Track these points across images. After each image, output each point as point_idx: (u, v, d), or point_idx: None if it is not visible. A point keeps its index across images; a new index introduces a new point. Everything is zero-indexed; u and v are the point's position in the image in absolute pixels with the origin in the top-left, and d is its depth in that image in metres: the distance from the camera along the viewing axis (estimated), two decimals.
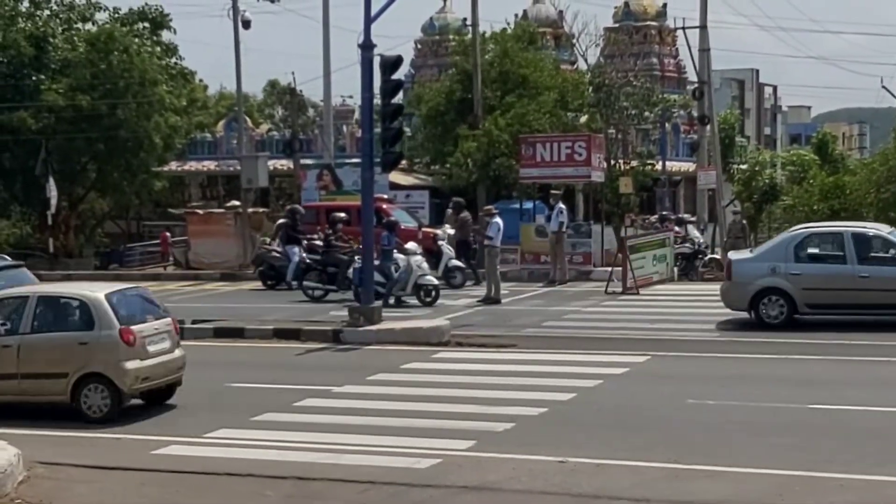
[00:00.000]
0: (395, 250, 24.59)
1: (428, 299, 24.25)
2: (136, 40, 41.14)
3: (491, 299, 24.41)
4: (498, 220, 25.43)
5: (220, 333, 20.65)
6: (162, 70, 41.17)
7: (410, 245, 25.22)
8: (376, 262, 22.47)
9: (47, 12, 42.18)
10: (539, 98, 39.35)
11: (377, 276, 22.36)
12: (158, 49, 42.53)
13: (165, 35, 43.30)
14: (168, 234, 40.09)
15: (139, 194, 45.20)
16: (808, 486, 10.31)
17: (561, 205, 27.95)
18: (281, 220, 30.71)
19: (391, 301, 23.71)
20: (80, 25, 42.41)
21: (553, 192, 28.88)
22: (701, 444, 11.91)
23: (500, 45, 41.78)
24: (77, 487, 10.80)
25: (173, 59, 43.10)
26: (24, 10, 41.68)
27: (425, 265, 24.74)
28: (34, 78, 39.47)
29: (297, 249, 28.07)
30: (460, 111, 40.39)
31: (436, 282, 24.70)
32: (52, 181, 36.77)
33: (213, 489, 10.69)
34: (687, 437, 12.24)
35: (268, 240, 31.71)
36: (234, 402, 14.85)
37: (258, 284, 29.04)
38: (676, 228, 30.06)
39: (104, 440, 12.74)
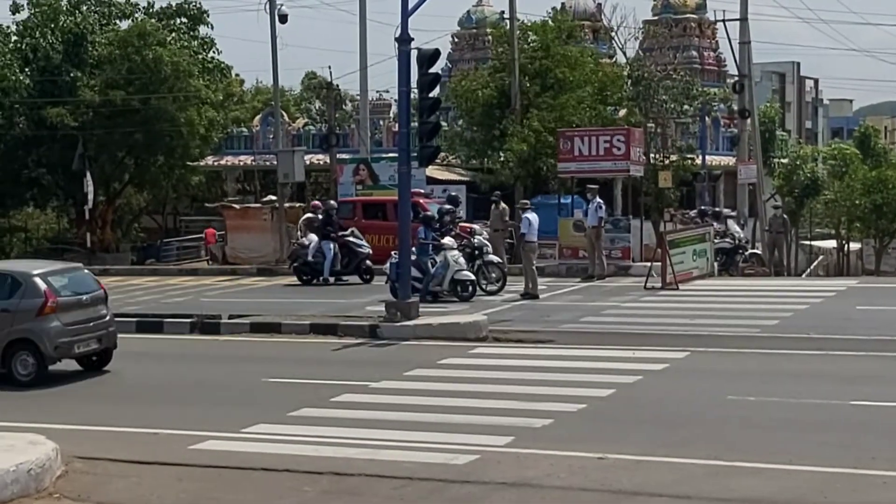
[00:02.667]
0: (431, 245, 24.50)
1: (465, 294, 24.16)
2: (172, 34, 41.28)
3: (528, 294, 24.29)
4: (529, 214, 25.22)
5: (257, 329, 20.66)
6: (197, 64, 41.26)
7: (447, 240, 25.12)
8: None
9: (85, 7, 42.39)
10: (578, 92, 39.08)
11: (413, 271, 22.29)
12: (195, 43, 42.66)
13: (203, 30, 43.50)
14: (213, 230, 40.12)
15: (176, 189, 45.37)
16: (851, 484, 10.16)
17: (598, 199, 27.79)
18: (308, 215, 30.75)
19: (428, 297, 23.63)
20: (117, 22, 42.64)
21: (589, 186, 28.69)
22: (742, 441, 11.77)
23: (541, 38, 41.48)
24: (115, 482, 10.81)
25: (210, 54, 43.23)
26: (63, 7, 41.92)
27: (462, 260, 24.64)
28: (71, 75, 39.68)
29: (331, 245, 28.18)
30: (498, 105, 40.19)
31: (472, 277, 24.59)
32: (89, 176, 36.91)
33: (250, 484, 10.66)
34: (727, 434, 12.09)
35: (299, 234, 31.60)
36: (272, 397, 14.83)
37: (294, 280, 29.10)
38: (716, 224, 29.77)
39: (141, 435, 12.75)
